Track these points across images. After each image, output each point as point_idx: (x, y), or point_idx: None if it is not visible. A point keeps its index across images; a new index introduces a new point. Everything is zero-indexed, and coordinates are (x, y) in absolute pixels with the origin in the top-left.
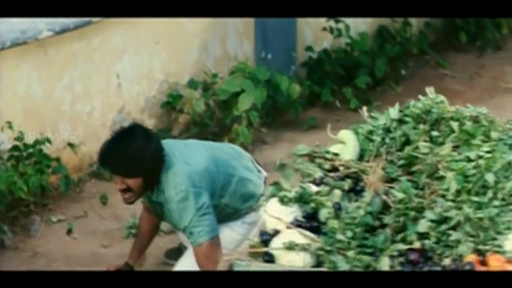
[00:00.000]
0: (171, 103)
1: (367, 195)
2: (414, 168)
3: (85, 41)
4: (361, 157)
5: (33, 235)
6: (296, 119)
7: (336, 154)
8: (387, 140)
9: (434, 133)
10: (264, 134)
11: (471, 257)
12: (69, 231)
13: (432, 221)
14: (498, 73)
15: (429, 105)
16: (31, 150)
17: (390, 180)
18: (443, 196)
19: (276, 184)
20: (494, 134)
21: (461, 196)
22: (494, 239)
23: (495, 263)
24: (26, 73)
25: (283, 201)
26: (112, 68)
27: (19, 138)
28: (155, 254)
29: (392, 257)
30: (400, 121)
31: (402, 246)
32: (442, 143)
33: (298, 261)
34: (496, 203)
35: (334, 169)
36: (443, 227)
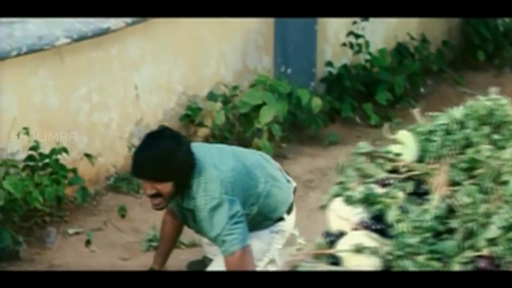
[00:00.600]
0: (190, 115)
1: (434, 198)
2: (476, 172)
3: (103, 50)
4: (420, 158)
5: (48, 247)
6: (316, 135)
7: (398, 155)
8: (447, 142)
9: (496, 137)
10: (285, 149)
11: None
12: (88, 242)
13: (500, 227)
14: None
15: (491, 106)
16: (47, 160)
17: (453, 184)
18: (507, 201)
19: (341, 183)
20: None
21: None
22: None
23: None
24: (43, 81)
25: (349, 201)
26: (130, 78)
27: (35, 147)
28: (177, 267)
29: (462, 263)
30: (462, 122)
31: (471, 253)
32: (502, 147)
33: (367, 265)
34: None
35: (395, 170)
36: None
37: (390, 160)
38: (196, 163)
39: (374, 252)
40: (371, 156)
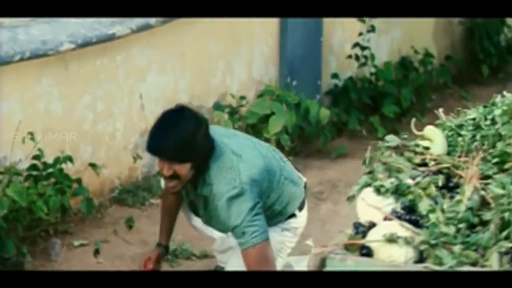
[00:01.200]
0: None
1: (467, 190)
2: (507, 165)
3: (108, 58)
4: (448, 153)
5: (53, 259)
6: (324, 147)
7: (427, 148)
8: (478, 136)
9: None
10: (292, 162)
11: None
12: (97, 252)
13: None
14: None
15: None
16: (51, 169)
17: (484, 177)
18: None
19: (370, 173)
20: None
21: None
22: None
23: None
24: (47, 88)
25: (379, 191)
26: (136, 87)
27: (38, 156)
28: None
29: (499, 253)
30: (491, 118)
31: (507, 244)
32: None
33: (400, 256)
34: None
35: (424, 164)
36: None
37: (418, 153)
38: (215, 145)
39: (407, 241)
40: (398, 150)
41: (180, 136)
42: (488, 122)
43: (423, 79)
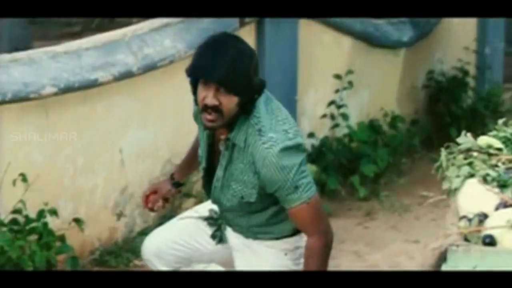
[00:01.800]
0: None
1: None
2: None
3: (89, 106)
4: None
5: None
6: None
7: (500, 149)
8: None
9: None
10: None
11: None
12: None
13: None
14: None
15: None
16: (34, 224)
17: None
18: None
19: (470, 164)
20: None
21: None
22: None
23: None
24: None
25: (486, 180)
26: (116, 140)
27: (19, 210)
28: None
29: None
30: None
31: None
32: None
33: None
34: None
35: (495, 166)
36: None
37: (493, 155)
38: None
39: None
40: (470, 152)
41: (236, 59)
42: None
43: (399, 140)
